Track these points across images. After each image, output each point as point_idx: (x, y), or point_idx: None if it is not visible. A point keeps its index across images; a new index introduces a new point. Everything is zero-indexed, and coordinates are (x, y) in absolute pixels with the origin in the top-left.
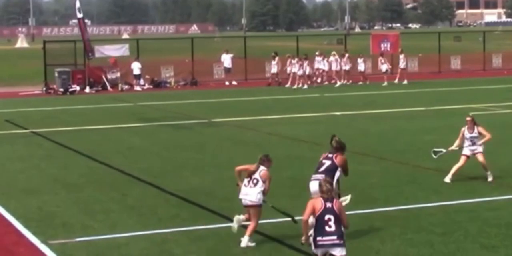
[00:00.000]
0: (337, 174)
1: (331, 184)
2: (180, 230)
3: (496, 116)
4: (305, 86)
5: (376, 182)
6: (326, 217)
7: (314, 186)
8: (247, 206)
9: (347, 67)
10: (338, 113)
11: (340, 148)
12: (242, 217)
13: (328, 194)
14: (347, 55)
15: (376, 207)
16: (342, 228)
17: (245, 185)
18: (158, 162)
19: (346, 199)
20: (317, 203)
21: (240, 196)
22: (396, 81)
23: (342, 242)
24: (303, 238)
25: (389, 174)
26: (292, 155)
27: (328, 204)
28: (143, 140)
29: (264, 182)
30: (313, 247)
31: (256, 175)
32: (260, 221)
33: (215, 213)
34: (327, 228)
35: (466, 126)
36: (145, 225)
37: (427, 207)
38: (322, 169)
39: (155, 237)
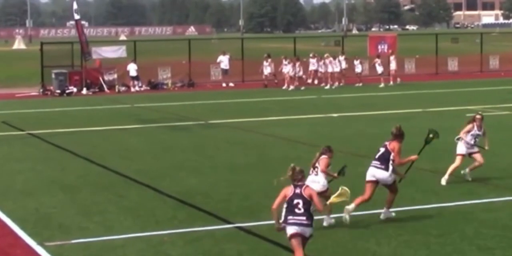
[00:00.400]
0: (391, 159)
1: (302, 172)
2: (177, 232)
3: (493, 118)
4: (302, 87)
5: None
6: (295, 201)
7: (369, 171)
8: (320, 192)
9: (337, 69)
10: (335, 115)
11: (397, 135)
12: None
13: (298, 181)
14: (342, 57)
15: (373, 208)
16: (312, 211)
17: (309, 174)
18: (155, 164)
19: (341, 195)
20: (288, 190)
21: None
22: (391, 83)
23: (310, 223)
24: (276, 226)
25: None
26: (289, 157)
27: (297, 190)
28: (140, 142)
29: (322, 171)
30: (285, 226)
31: (317, 164)
32: (256, 223)
33: (212, 215)
34: (296, 210)
35: (475, 123)
36: (142, 226)
37: (423, 209)
38: (377, 156)
39: (151, 238)
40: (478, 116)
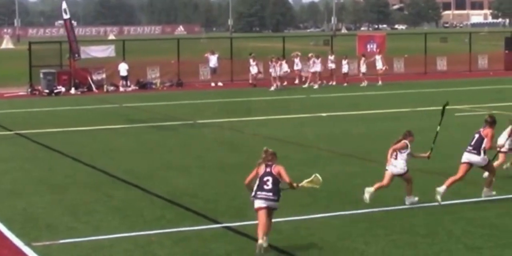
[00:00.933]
0: (483, 144)
1: (273, 154)
2: (165, 232)
3: (481, 117)
4: (272, 88)
5: (360, 183)
6: (265, 178)
7: (465, 155)
8: (397, 175)
9: (318, 69)
10: (323, 114)
11: (491, 122)
12: (371, 188)
13: (269, 161)
14: (332, 56)
15: (360, 208)
16: (281, 188)
17: (392, 158)
18: (144, 164)
19: (312, 182)
20: (261, 168)
21: (387, 167)
22: (380, 82)
23: (276, 198)
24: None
25: (374, 175)
26: (278, 156)
27: (268, 169)
28: (129, 142)
29: (394, 148)
30: (251, 196)
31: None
32: (244, 222)
33: (200, 215)
34: (265, 186)
35: None
36: (130, 226)
37: (411, 208)
38: (472, 142)
39: (139, 238)
40: None
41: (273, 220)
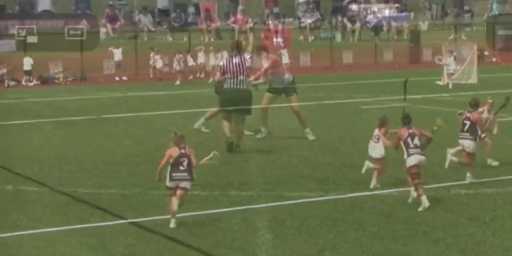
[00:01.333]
0: (478, 131)
1: (182, 136)
2: (70, 228)
3: (387, 110)
4: (178, 82)
5: (263, 176)
6: (181, 159)
7: (462, 143)
8: (375, 158)
9: (221, 63)
10: (230, 108)
11: (475, 105)
12: (371, 165)
13: (181, 144)
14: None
15: (268, 202)
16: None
17: (373, 141)
18: (48, 160)
19: (212, 159)
20: (174, 151)
21: (369, 150)
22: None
23: (189, 177)
24: (157, 178)
25: (282, 168)
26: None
27: (183, 151)
28: (32, 137)
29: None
30: (168, 181)
31: (376, 132)
32: (150, 218)
33: (105, 211)
34: (180, 167)
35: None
36: (35, 224)
37: (314, 202)
38: (465, 129)
39: (45, 236)
40: (489, 101)
41: (178, 215)
